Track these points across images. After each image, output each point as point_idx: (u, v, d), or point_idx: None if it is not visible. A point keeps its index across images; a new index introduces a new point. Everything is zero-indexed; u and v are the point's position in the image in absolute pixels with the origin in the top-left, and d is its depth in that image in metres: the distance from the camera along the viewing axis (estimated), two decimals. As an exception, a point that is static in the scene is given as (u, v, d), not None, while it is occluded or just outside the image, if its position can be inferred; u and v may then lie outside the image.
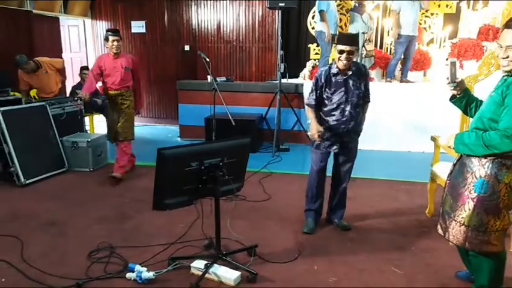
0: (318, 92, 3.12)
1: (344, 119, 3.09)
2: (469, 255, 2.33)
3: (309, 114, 3.22)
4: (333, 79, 3.08)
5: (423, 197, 3.80)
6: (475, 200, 2.08)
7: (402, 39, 6.00)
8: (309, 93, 3.20)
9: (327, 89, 3.10)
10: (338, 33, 6.24)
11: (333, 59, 3.39)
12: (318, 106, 3.17)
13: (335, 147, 3.16)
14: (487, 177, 2.04)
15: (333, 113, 3.10)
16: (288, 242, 3.10)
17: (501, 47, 1.97)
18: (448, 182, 2.34)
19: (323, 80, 3.09)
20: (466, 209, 2.11)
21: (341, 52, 2.97)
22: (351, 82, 3.07)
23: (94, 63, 4.59)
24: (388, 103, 5.94)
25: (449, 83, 2.27)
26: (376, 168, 5.06)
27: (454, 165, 2.30)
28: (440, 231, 2.31)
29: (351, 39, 3.02)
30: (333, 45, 3.14)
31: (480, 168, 2.06)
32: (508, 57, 1.95)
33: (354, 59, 3.10)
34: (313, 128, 3.11)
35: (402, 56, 6.24)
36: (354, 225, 3.39)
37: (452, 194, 2.23)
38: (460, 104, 2.34)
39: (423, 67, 6.79)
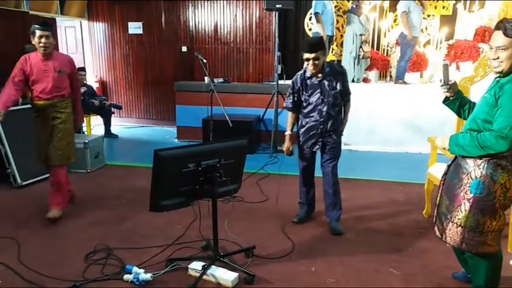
0: (296, 95, 3.24)
1: (322, 119, 3.16)
2: (465, 256, 2.33)
3: (288, 122, 3.35)
4: (308, 82, 3.17)
5: (420, 198, 3.81)
6: (471, 200, 2.09)
7: (411, 40, 6.08)
8: (287, 97, 3.31)
9: (303, 92, 3.19)
10: (332, 35, 6.30)
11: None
12: (297, 109, 3.29)
13: (317, 146, 3.25)
14: (483, 177, 2.05)
15: (311, 114, 3.19)
16: (285, 243, 3.10)
17: (491, 48, 2.00)
18: (442, 183, 2.35)
19: (298, 84, 3.19)
20: (462, 210, 2.12)
21: (306, 60, 3.04)
22: (326, 83, 3.13)
23: (15, 67, 3.51)
24: (385, 104, 5.97)
25: (442, 85, 2.30)
26: (373, 169, 5.07)
27: (449, 166, 2.32)
28: (437, 233, 2.32)
29: (312, 46, 3.02)
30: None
31: (475, 169, 2.07)
32: (498, 58, 1.97)
33: (334, 58, 3.16)
34: (285, 146, 3.35)
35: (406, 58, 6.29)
36: (351, 226, 3.39)
37: (448, 195, 2.25)
38: (453, 106, 2.36)
39: (420, 68, 6.83)
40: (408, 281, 2.61)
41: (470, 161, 2.10)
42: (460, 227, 2.14)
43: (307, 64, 3.06)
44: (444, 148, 2.24)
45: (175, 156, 2.44)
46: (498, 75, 2.05)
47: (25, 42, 6.28)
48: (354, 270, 2.72)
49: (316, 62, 3.02)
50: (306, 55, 3.02)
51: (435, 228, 2.33)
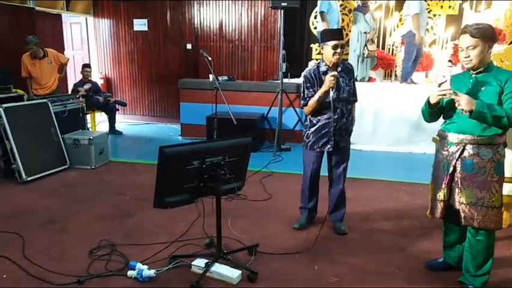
0: (312, 90, 3.08)
1: (336, 116, 3.08)
2: (473, 247, 2.41)
3: (312, 101, 3.07)
4: (323, 77, 3.06)
5: (424, 198, 3.79)
6: (498, 182, 2.32)
7: (416, 40, 6.07)
8: (303, 94, 3.15)
9: (318, 88, 3.07)
10: (323, 30, 6.26)
11: (317, 59, 3.35)
12: None
13: (328, 146, 3.14)
14: (501, 158, 2.32)
15: (324, 111, 3.09)
16: (288, 241, 3.10)
17: (462, 49, 2.30)
18: (449, 178, 2.38)
19: (313, 77, 3.08)
20: (494, 192, 2.30)
21: (335, 47, 2.97)
22: (340, 79, 3.07)
23: None
24: (390, 104, 5.94)
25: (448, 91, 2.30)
26: (377, 169, 5.06)
27: (456, 160, 2.34)
28: (467, 223, 2.36)
29: (340, 33, 3.09)
30: (321, 44, 3.13)
31: (496, 153, 2.29)
32: (469, 56, 2.28)
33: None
34: (327, 81, 2.93)
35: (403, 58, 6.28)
36: (355, 225, 3.39)
37: (468, 186, 2.32)
38: (436, 111, 2.47)
39: (426, 68, 6.79)
40: (411, 281, 2.60)
41: (486, 148, 2.28)
42: (496, 208, 2.31)
43: (334, 53, 2.97)
44: (463, 110, 2.21)
45: (180, 153, 2.44)
46: (473, 71, 2.33)
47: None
48: (357, 270, 2.72)
49: (343, 49, 3.01)
50: (334, 42, 2.96)
51: (462, 220, 2.35)
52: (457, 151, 2.34)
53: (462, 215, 2.35)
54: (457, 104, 2.25)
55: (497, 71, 2.33)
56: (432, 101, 2.38)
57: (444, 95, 2.30)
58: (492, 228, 2.33)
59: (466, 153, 2.32)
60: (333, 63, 3.04)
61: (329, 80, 2.93)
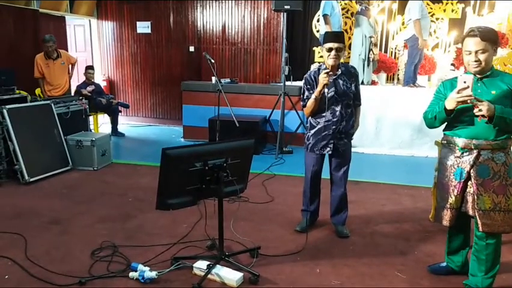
0: (311, 91, 3.08)
1: (335, 119, 3.08)
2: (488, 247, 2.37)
3: (309, 101, 3.08)
4: None
5: (426, 202, 3.79)
6: (511, 185, 2.30)
7: (420, 45, 6.09)
8: (303, 95, 3.17)
9: None
10: (325, 33, 6.25)
11: (319, 62, 3.31)
12: None
13: (328, 149, 3.14)
14: (511, 161, 2.29)
15: (323, 114, 3.09)
16: (290, 244, 3.09)
17: (469, 53, 2.25)
18: (462, 186, 2.34)
19: (313, 79, 3.09)
20: (509, 195, 2.29)
21: (329, 50, 2.98)
22: (340, 82, 3.07)
23: None
24: (393, 107, 5.94)
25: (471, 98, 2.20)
26: (380, 173, 5.06)
27: (471, 167, 2.30)
28: (486, 229, 2.31)
29: (338, 37, 3.04)
30: (320, 47, 3.13)
31: (508, 157, 2.29)
32: (478, 60, 2.23)
33: (342, 60, 3.10)
34: (320, 79, 2.93)
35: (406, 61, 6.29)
36: (356, 228, 3.38)
37: (485, 192, 2.29)
38: (447, 119, 2.37)
39: (428, 72, 6.80)
40: (413, 285, 2.60)
41: (499, 152, 2.27)
42: (511, 212, 2.30)
43: (329, 56, 2.98)
44: (483, 115, 2.15)
45: (183, 155, 2.44)
46: (479, 75, 2.29)
47: (35, 41, 6.39)
48: (359, 273, 2.72)
49: (339, 53, 2.99)
50: (329, 44, 2.96)
51: (480, 227, 2.30)
52: (471, 157, 2.30)
53: (480, 221, 2.30)
54: (475, 110, 2.17)
55: (503, 75, 2.32)
56: (450, 106, 2.25)
57: (465, 101, 2.19)
58: (508, 231, 2.33)
59: (480, 159, 2.28)
60: (332, 66, 3.03)
61: (322, 77, 2.94)
